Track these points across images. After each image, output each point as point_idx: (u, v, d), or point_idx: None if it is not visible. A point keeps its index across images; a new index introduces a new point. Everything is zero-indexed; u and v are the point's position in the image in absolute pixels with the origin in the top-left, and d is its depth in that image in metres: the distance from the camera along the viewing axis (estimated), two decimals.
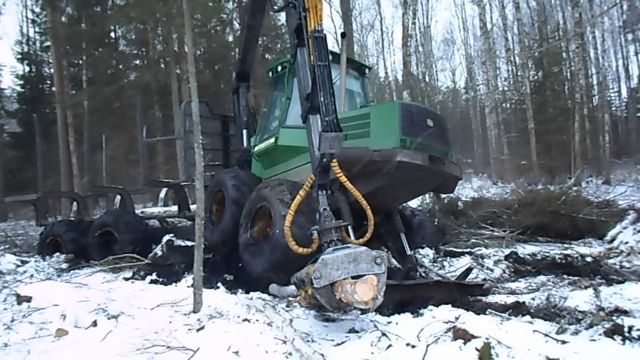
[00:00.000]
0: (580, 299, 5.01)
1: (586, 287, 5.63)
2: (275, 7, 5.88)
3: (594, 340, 3.54)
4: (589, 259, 7.09)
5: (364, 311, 4.13)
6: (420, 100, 31.70)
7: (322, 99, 4.65)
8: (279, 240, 5.66)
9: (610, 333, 3.60)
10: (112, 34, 24.82)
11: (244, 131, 8.64)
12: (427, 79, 40.76)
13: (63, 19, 23.67)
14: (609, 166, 23.66)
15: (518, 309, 4.83)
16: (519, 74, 31.41)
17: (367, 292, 3.89)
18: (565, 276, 6.34)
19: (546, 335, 3.58)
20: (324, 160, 4.66)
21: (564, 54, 28.18)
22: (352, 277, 3.97)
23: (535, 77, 28.09)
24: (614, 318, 3.97)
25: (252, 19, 8.05)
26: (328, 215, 4.63)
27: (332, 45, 36.02)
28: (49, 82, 27.71)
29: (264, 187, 6.40)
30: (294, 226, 5.50)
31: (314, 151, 4.91)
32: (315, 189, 4.80)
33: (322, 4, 4.98)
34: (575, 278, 6.17)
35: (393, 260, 6.96)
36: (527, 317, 4.47)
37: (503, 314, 4.56)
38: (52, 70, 25.03)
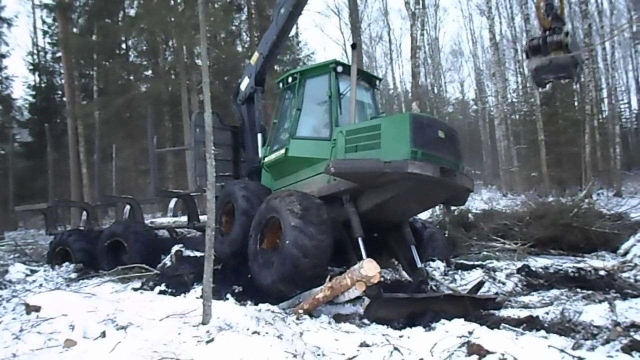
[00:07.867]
0: (595, 313, 4.95)
1: (601, 302, 5.57)
2: None
3: (611, 356, 3.48)
4: (602, 273, 7.02)
5: None
6: (429, 112, 31.69)
7: None
8: (289, 251, 5.63)
9: (627, 349, 3.53)
10: (123, 45, 25.02)
11: (259, 135, 8.56)
12: (435, 91, 40.79)
13: (74, 30, 23.88)
14: (620, 178, 23.40)
15: (532, 324, 4.77)
16: (528, 85, 31.30)
17: (372, 269, 4.74)
18: (578, 290, 6.26)
19: (562, 351, 3.51)
20: None
21: None
22: None
23: (545, 89, 27.94)
24: (631, 334, 3.90)
25: (296, 7, 8.03)
26: None
27: (342, 56, 36.19)
28: (60, 92, 27.88)
29: (274, 199, 6.37)
30: (304, 236, 5.55)
31: None
32: None
33: None
34: (589, 292, 6.10)
35: (404, 273, 6.90)
36: (542, 332, 4.41)
37: (517, 329, 4.49)
38: (63, 81, 25.20)
